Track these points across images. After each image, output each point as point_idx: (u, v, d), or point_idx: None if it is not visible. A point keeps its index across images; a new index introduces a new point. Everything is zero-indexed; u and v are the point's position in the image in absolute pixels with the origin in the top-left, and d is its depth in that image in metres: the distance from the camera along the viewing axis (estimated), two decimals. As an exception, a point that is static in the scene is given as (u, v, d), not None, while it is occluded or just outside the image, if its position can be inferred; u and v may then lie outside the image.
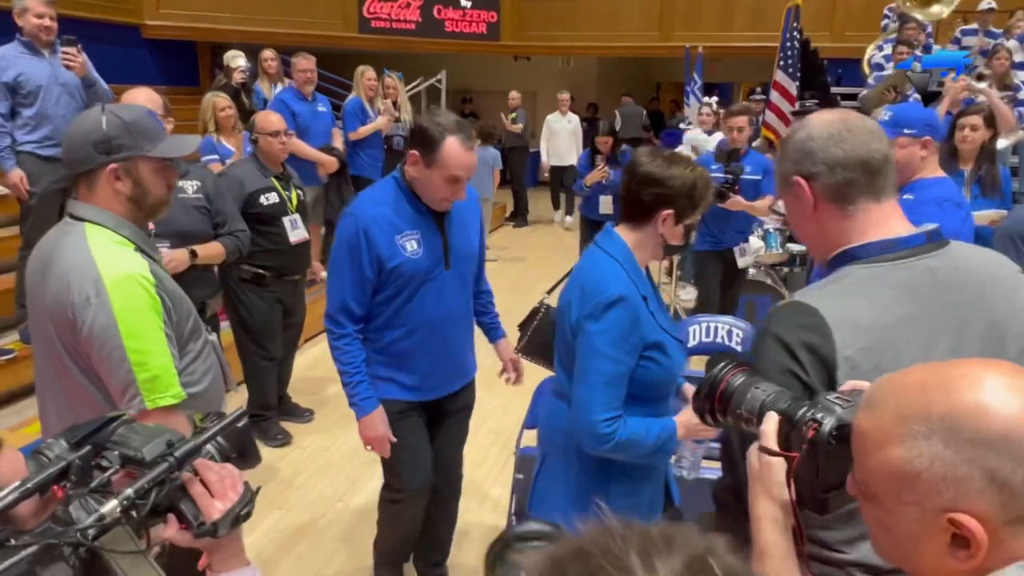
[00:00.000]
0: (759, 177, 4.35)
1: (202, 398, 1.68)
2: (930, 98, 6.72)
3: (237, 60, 5.91)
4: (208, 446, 1.06)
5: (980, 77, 5.74)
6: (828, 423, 0.85)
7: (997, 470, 0.65)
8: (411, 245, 2.18)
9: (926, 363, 0.74)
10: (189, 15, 9.15)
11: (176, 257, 2.74)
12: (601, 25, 11.14)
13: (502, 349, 2.61)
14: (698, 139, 6.62)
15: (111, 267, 1.53)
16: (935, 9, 7.03)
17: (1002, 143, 5.63)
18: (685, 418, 1.70)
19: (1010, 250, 2.39)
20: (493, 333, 2.60)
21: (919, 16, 7.16)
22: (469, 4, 11.07)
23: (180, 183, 2.75)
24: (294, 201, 3.62)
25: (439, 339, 2.27)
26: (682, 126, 7.35)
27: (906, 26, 7.33)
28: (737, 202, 4.20)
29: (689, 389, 1.79)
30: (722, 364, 1.02)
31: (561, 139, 9.43)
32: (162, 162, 1.64)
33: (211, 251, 2.96)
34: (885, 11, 8.11)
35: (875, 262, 1.11)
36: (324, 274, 4.22)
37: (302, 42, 6.74)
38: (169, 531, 1.02)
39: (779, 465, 0.90)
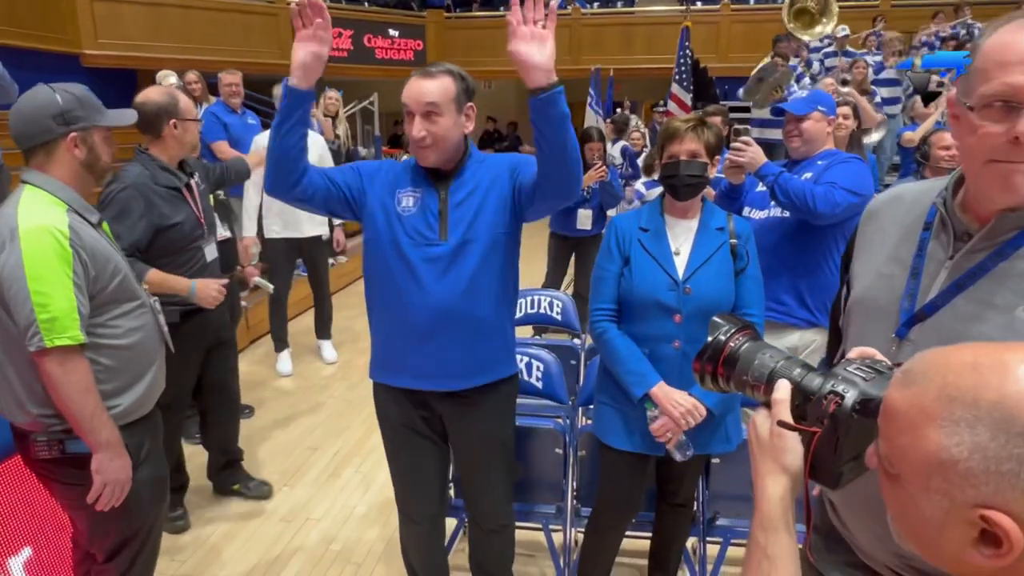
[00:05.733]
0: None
1: (130, 351, 1.82)
2: (930, 97, 7.31)
3: (168, 79, 5.97)
4: None
5: (844, 83, 6.82)
6: (850, 396, 0.79)
7: None
8: (407, 200, 1.87)
9: (979, 341, 0.67)
10: (128, 44, 9.31)
11: (253, 243, 2.77)
12: (517, 51, 12.09)
13: None
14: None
15: (29, 219, 1.67)
16: (817, 30, 8.25)
17: (875, 136, 6.70)
18: (675, 394, 1.92)
19: None
20: None
21: (805, 37, 8.30)
22: (397, 33, 11.98)
23: (195, 181, 2.74)
24: None
25: (431, 334, 1.88)
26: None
27: (780, 43, 8.59)
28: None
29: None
30: (725, 327, 0.96)
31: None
32: (109, 131, 1.83)
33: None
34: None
35: None
36: None
37: (239, 70, 7.00)
38: None
39: (792, 435, 0.85)
